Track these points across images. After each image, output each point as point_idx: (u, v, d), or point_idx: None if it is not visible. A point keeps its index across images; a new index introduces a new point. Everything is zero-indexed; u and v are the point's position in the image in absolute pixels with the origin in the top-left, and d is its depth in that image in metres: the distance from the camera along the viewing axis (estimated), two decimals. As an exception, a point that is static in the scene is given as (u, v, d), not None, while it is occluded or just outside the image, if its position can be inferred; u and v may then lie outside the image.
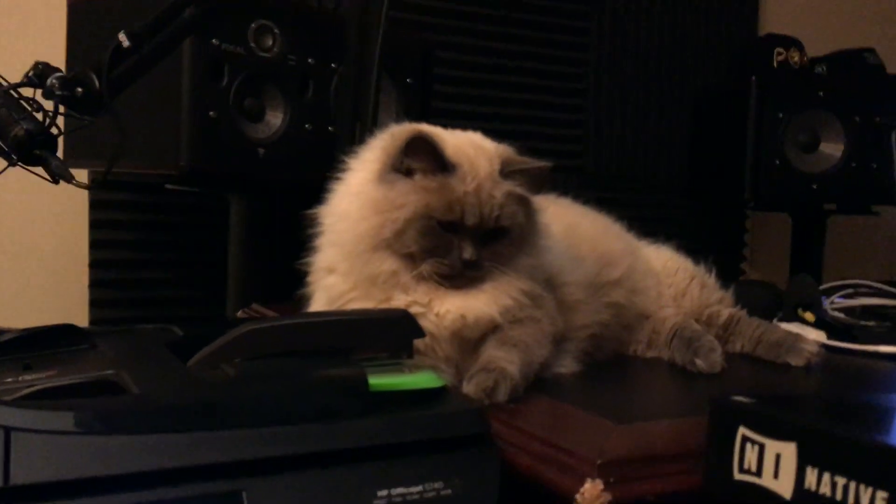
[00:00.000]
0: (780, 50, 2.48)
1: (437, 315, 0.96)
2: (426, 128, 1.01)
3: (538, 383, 0.97)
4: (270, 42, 1.68)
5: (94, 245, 2.09)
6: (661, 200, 2.74)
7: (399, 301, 0.95)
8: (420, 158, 0.96)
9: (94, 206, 2.08)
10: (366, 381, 0.77)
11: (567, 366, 1.05)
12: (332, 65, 1.77)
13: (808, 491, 0.63)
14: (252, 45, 1.65)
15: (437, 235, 0.96)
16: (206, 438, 0.66)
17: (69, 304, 2.07)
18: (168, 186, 1.94)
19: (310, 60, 1.74)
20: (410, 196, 0.96)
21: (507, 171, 0.99)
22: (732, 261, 2.79)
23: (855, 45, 2.55)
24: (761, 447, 0.67)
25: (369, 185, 0.99)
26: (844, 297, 1.60)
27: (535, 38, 2.53)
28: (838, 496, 0.60)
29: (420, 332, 0.85)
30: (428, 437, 0.74)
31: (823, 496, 0.61)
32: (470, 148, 1.00)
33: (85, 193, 2.05)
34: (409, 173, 0.97)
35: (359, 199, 0.99)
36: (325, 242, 1.02)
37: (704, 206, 2.78)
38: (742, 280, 1.75)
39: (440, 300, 0.96)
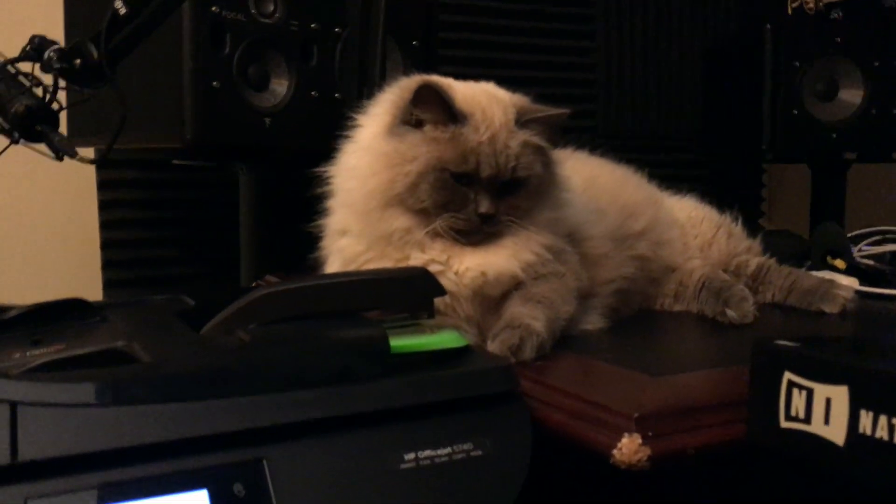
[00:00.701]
0: (795, -4, 2.41)
1: (456, 273, 0.92)
2: (436, 78, 0.97)
3: (565, 340, 0.93)
4: (272, 7, 1.63)
5: (105, 226, 2.06)
6: (675, 157, 2.69)
7: (416, 260, 0.92)
8: (430, 109, 0.92)
9: (102, 186, 2.05)
10: (387, 342, 0.73)
11: (594, 322, 1.02)
12: (336, 29, 1.72)
13: (863, 435, 0.59)
14: (253, 11, 1.60)
15: (451, 189, 0.92)
16: (222, 406, 0.63)
17: (83, 287, 2.04)
18: (175, 162, 1.91)
19: (313, 25, 1.69)
20: (422, 148, 0.92)
21: (523, 121, 0.95)
22: (750, 215, 2.74)
23: (871, -12, 2.48)
24: (809, 392, 0.63)
25: (379, 139, 0.95)
26: (872, 244, 1.55)
27: (542, -2, 2.47)
28: (896, 439, 0.57)
29: (441, 290, 0.81)
30: (454, 396, 0.70)
31: (880, 440, 0.58)
32: (483, 97, 0.96)
33: (93, 174, 2.02)
34: (419, 125, 0.93)
35: (368, 155, 0.95)
36: (337, 204, 0.98)
37: (720, 160, 2.73)
38: (767, 230, 1.70)
39: (459, 258, 0.92)
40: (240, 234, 1.80)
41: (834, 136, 2.33)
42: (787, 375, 0.65)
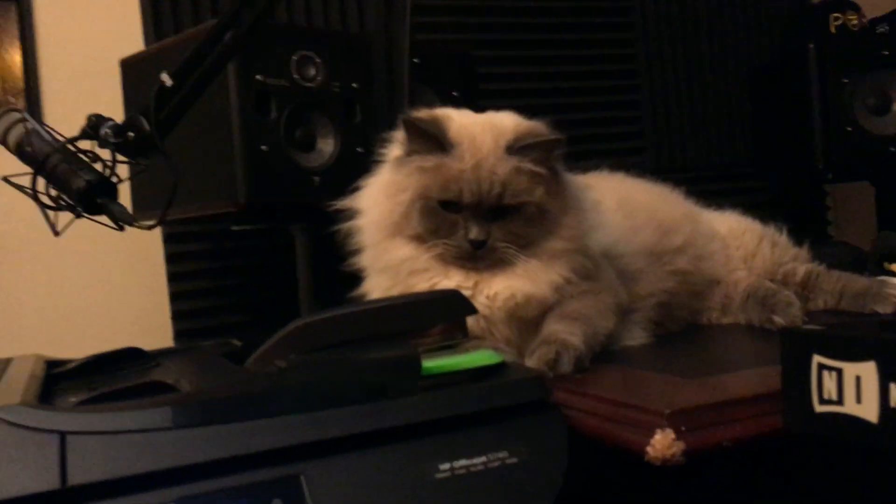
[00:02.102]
0: (837, 14, 2.40)
1: (487, 297, 0.93)
2: (436, 111, 1.01)
3: (607, 355, 0.93)
4: (313, 72, 1.70)
5: (175, 297, 2.13)
6: (731, 186, 2.65)
7: (443, 286, 0.93)
8: (418, 140, 0.95)
9: (170, 259, 2.13)
10: (418, 361, 0.75)
11: (637, 337, 1.01)
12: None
13: (895, 409, 0.58)
14: (295, 76, 1.67)
15: (440, 216, 0.94)
16: (258, 427, 0.65)
17: (156, 340, 2.10)
18: (234, 228, 1.98)
19: (354, 85, 1.75)
20: (412, 177, 0.95)
21: (515, 148, 0.95)
22: (816, 238, 2.67)
23: (915, 0, 2.44)
24: (839, 373, 0.62)
25: (385, 171, 0.99)
26: (935, 249, 1.50)
27: (579, 41, 2.50)
28: (927, 408, 0.55)
29: (473, 309, 0.82)
30: (486, 407, 0.71)
31: (912, 412, 0.57)
32: (479, 127, 0.98)
33: (158, 233, 2.10)
34: (412, 156, 0.97)
35: (373, 188, 0.99)
36: (361, 241, 1.01)
37: (779, 186, 2.68)
38: (821, 242, 1.66)
39: (487, 282, 0.94)
40: (299, 292, 1.85)
41: (892, 149, 2.28)
42: (816, 358, 0.64)
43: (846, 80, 2.26)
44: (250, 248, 2.16)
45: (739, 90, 2.65)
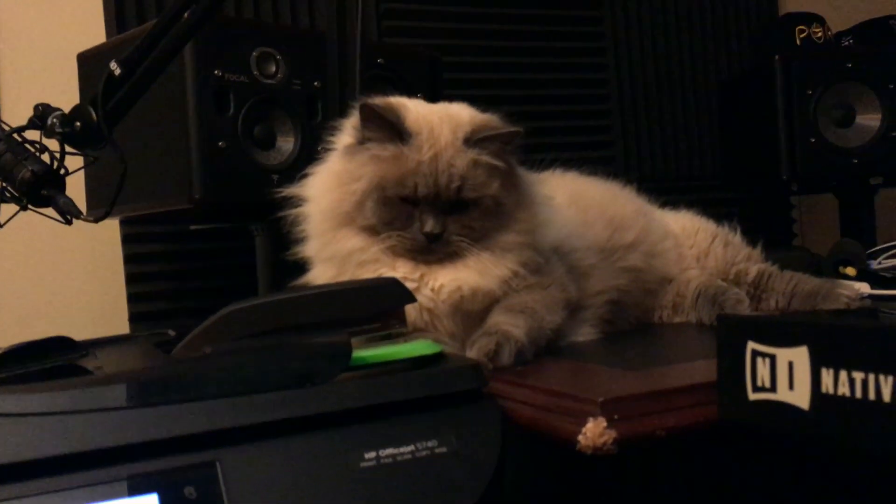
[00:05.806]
0: (802, 27, 2.41)
1: (432, 290, 0.91)
2: (390, 99, 0.98)
3: (553, 350, 0.91)
4: (274, 68, 1.68)
5: (131, 280, 2.09)
6: (700, 197, 2.65)
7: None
8: (374, 128, 0.93)
9: (126, 240, 2.09)
10: (348, 347, 0.72)
11: (585, 334, 1.00)
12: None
13: (827, 395, 0.56)
14: (255, 72, 1.64)
15: (396, 207, 0.92)
16: (171, 411, 0.62)
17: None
18: (193, 227, 1.95)
19: (315, 83, 1.73)
20: (367, 167, 0.92)
21: (474, 140, 0.93)
22: (776, 245, 2.68)
23: (880, 14, 2.47)
24: (772, 359, 0.60)
25: (335, 159, 0.96)
26: (891, 256, 1.51)
27: (549, 50, 2.50)
28: (858, 393, 0.54)
29: (411, 298, 0.80)
30: (416, 396, 0.69)
31: (843, 397, 0.55)
32: (437, 116, 0.95)
33: (117, 233, 2.07)
34: (367, 144, 0.94)
35: (323, 176, 0.96)
36: (308, 230, 0.99)
37: (746, 197, 2.69)
38: (780, 247, 1.66)
39: (433, 275, 0.92)
40: (259, 292, 1.81)
41: (855, 161, 2.29)
42: (751, 345, 0.62)
43: (810, 93, 2.27)
44: (211, 249, 2.13)
45: (709, 102, 2.66)
